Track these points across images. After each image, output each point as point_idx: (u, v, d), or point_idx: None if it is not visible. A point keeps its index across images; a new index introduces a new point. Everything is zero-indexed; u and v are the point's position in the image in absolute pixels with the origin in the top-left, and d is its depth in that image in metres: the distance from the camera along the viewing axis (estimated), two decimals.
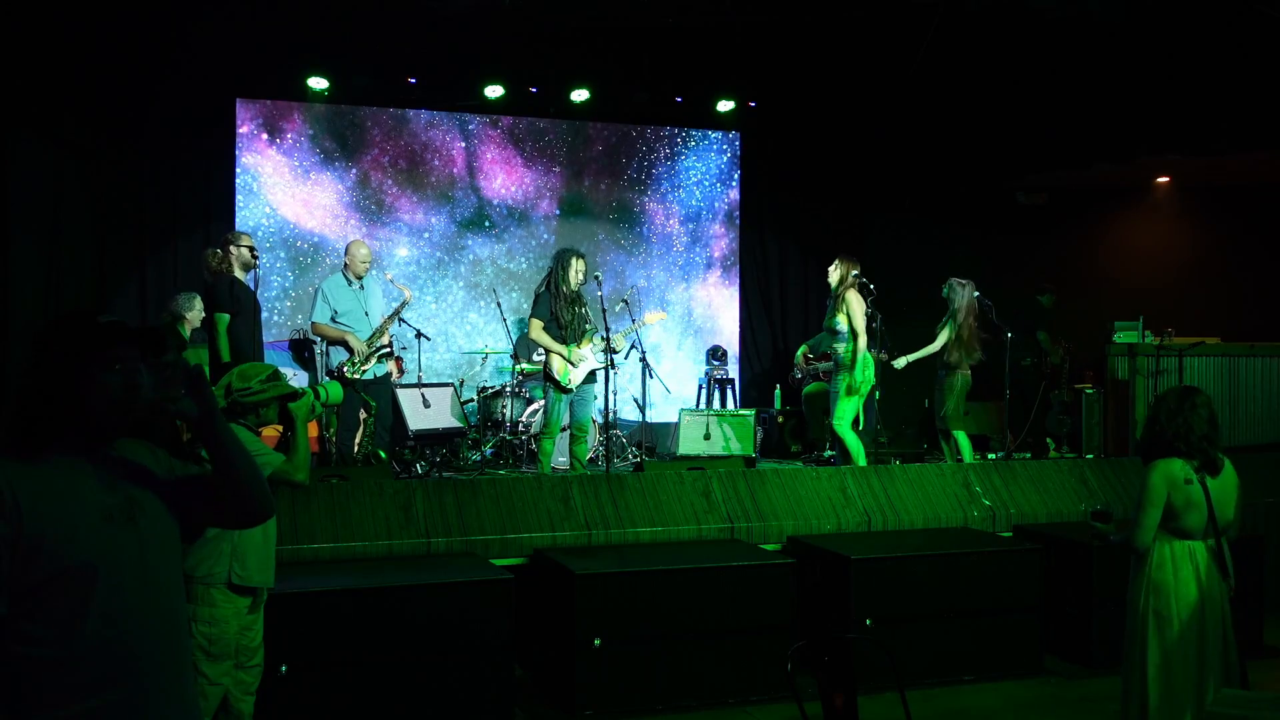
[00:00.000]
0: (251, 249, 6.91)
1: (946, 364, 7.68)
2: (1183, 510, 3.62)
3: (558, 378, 6.96)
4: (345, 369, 6.99)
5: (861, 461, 7.11)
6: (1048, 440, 9.39)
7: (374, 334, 7.13)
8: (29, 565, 1.90)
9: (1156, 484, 3.62)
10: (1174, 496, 3.61)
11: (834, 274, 7.41)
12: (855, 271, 7.36)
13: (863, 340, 7.18)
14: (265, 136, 9.59)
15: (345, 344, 7.03)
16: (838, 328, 7.26)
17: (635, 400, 8.57)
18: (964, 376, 7.67)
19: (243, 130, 9.53)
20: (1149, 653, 3.66)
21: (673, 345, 10.80)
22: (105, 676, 1.95)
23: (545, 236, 10.44)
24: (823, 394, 8.26)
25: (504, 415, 8.65)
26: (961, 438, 7.65)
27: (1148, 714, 3.66)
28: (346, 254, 7.31)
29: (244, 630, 3.65)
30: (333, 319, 7.07)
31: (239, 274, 6.81)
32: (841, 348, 7.26)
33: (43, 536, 1.91)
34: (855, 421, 7.46)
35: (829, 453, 8.18)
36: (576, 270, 6.96)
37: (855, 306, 7.21)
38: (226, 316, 6.61)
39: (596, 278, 7.09)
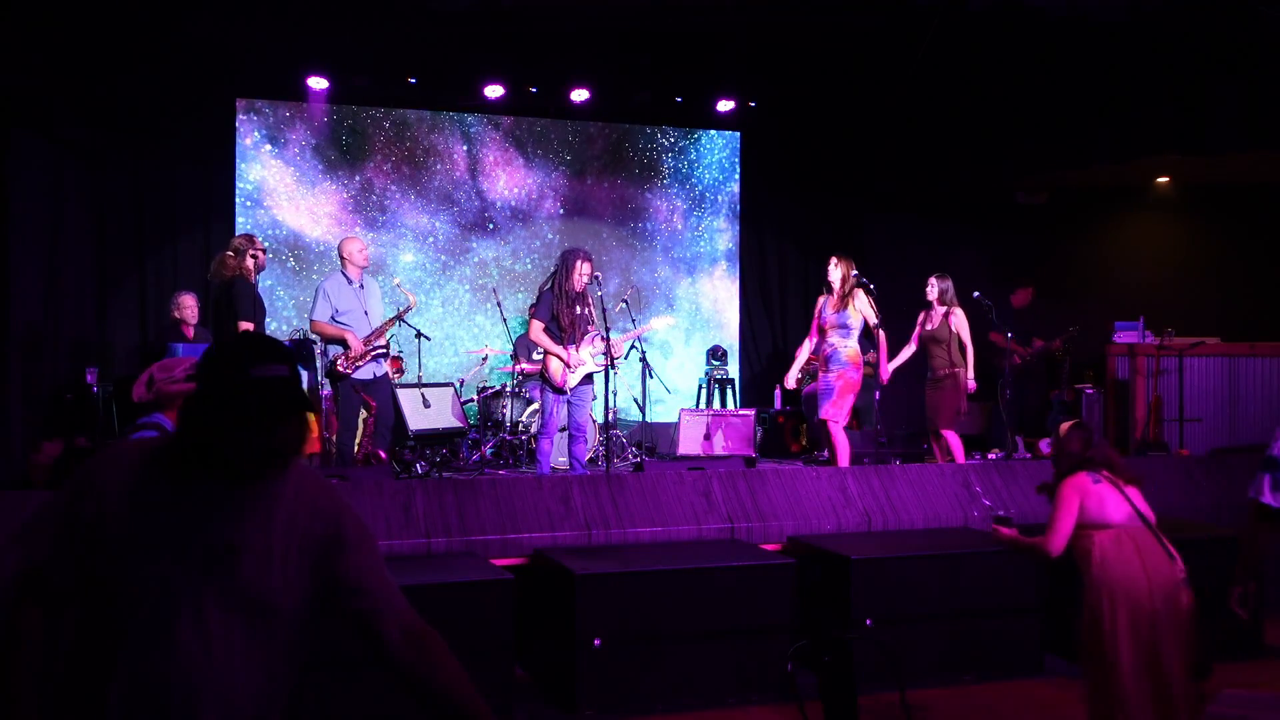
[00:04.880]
0: (263, 253, 6.97)
1: (953, 362, 7.65)
2: (1099, 506, 3.85)
3: (554, 379, 6.96)
4: (339, 364, 6.99)
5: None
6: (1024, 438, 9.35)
7: (372, 334, 7.14)
8: (91, 554, 1.77)
9: (1069, 495, 3.90)
10: (1086, 502, 3.86)
11: (835, 272, 7.39)
12: (854, 271, 7.35)
13: (879, 335, 7.24)
14: (268, 146, 9.59)
15: (343, 341, 7.04)
16: (848, 322, 7.26)
17: (635, 400, 8.57)
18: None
19: (246, 141, 9.53)
20: (1119, 643, 3.70)
21: (679, 341, 10.81)
22: None
23: (549, 236, 10.44)
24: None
25: (504, 415, 8.65)
26: (955, 439, 7.64)
27: (1128, 710, 3.69)
28: (342, 252, 7.28)
29: None
30: (332, 318, 7.08)
31: (252, 278, 6.84)
32: (845, 344, 7.25)
33: (106, 541, 1.77)
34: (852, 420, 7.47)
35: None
36: (580, 273, 6.94)
37: (864, 305, 7.23)
38: (250, 324, 6.63)
39: (596, 278, 7.09)
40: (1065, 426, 4.12)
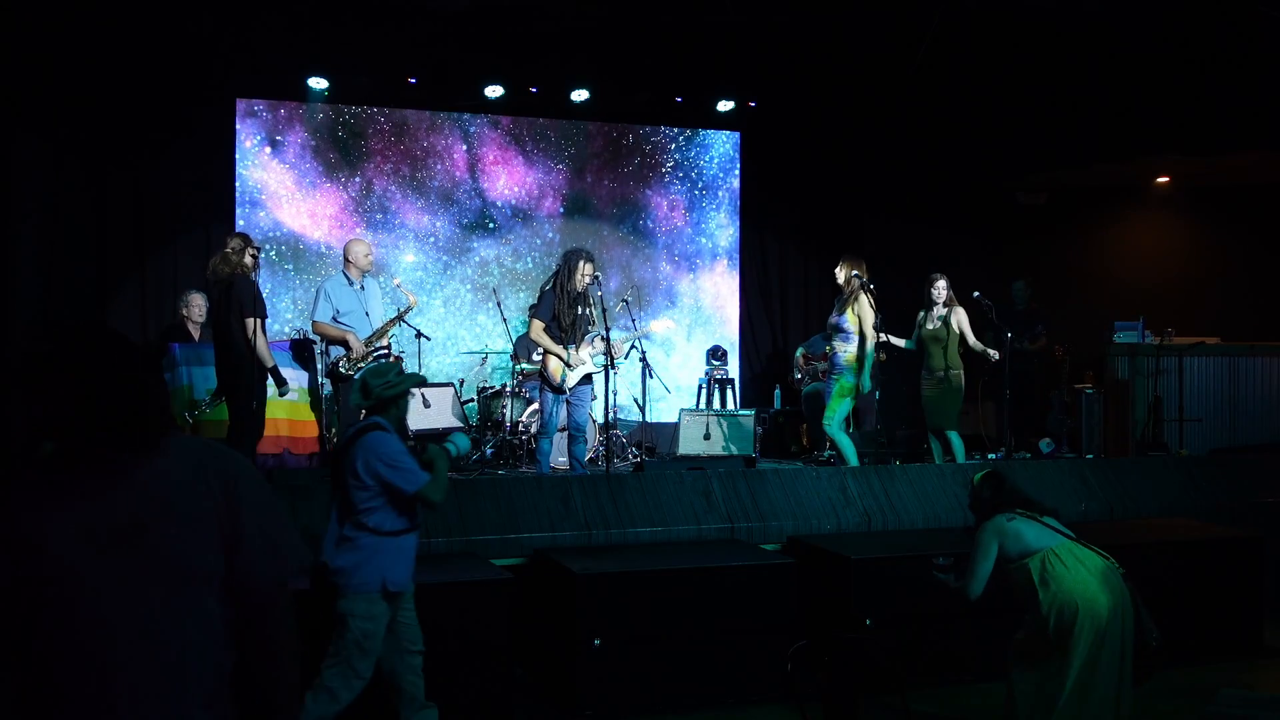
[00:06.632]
0: (258, 253, 6.97)
1: (950, 363, 7.64)
2: (1018, 541, 3.98)
3: (553, 379, 6.96)
4: (341, 365, 6.99)
5: (853, 460, 7.09)
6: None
7: (373, 335, 7.14)
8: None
9: (986, 540, 4.03)
10: (1005, 543, 3.99)
11: (840, 274, 7.39)
12: (857, 272, 7.33)
13: (870, 343, 7.16)
14: (268, 147, 9.59)
15: (345, 343, 7.04)
16: (845, 326, 7.23)
17: (635, 400, 8.57)
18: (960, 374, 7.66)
19: (246, 143, 9.53)
20: (1074, 646, 3.78)
21: (681, 338, 10.81)
22: None
23: (550, 235, 10.44)
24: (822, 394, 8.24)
25: (504, 415, 8.65)
26: (956, 439, 7.63)
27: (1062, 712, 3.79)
28: (346, 253, 7.28)
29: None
30: (334, 319, 7.07)
31: (252, 275, 6.83)
32: (845, 348, 7.23)
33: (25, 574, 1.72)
34: (846, 423, 7.44)
35: (828, 453, 8.18)
36: (583, 273, 6.94)
37: (866, 309, 7.18)
38: (257, 321, 6.60)
39: (597, 278, 7.09)
40: (978, 476, 4.30)
